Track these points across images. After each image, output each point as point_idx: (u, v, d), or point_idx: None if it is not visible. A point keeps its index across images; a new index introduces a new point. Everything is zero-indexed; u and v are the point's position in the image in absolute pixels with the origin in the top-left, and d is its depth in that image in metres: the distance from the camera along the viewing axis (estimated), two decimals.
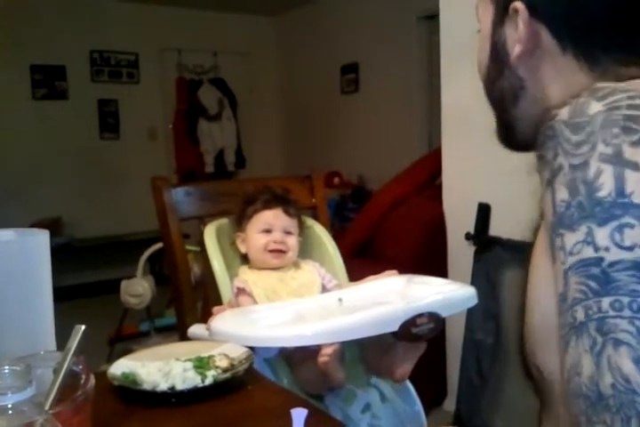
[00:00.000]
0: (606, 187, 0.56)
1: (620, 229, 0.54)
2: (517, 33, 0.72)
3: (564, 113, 0.61)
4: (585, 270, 0.56)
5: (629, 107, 0.58)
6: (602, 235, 0.55)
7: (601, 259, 0.55)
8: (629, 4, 0.69)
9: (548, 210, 0.61)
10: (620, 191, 0.55)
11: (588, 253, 0.56)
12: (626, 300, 0.53)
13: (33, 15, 5.05)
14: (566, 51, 0.70)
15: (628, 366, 0.51)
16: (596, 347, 0.53)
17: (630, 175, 0.55)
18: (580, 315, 0.55)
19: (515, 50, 0.73)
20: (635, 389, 0.50)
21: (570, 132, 0.60)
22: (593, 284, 0.55)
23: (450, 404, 2.56)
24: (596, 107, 0.59)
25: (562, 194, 0.59)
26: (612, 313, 0.53)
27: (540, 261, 0.67)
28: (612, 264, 0.54)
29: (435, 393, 2.61)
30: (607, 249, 0.54)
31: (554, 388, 0.68)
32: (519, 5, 0.71)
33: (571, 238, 0.57)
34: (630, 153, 0.55)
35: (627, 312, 0.52)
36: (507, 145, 0.85)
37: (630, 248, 0.54)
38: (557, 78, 0.72)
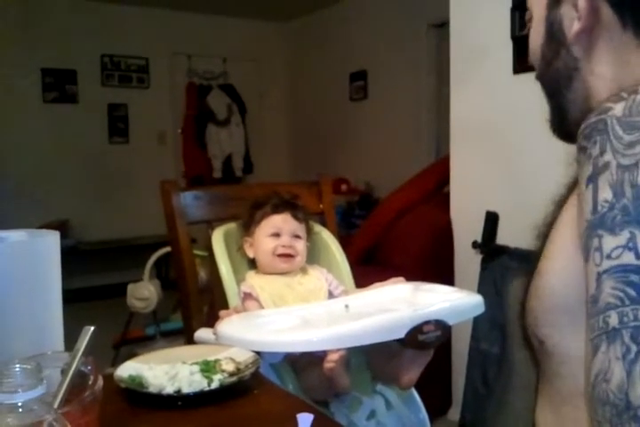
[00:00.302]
0: None
1: None
2: (577, 9, 0.69)
3: (618, 109, 0.59)
4: (623, 276, 0.54)
5: None
6: None
7: None
8: None
9: (587, 207, 0.59)
10: None
11: (629, 259, 0.54)
12: None
13: (45, 19, 5.09)
14: (626, 27, 0.68)
15: None
16: (629, 355, 0.52)
17: None
18: (614, 321, 0.54)
19: (573, 27, 0.71)
20: None
21: (622, 130, 0.57)
22: (631, 291, 0.53)
23: (455, 413, 2.54)
24: None
25: (605, 193, 0.57)
26: None
27: (560, 236, 0.66)
28: None
29: (440, 402, 2.60)
30: None
31: (553, 360, 0.68)
32: None
33: (610, 241, 0.55)
34: None
35: None
36: (560, 134, 0.81)
37: None
38: (612, 56, 0.70)
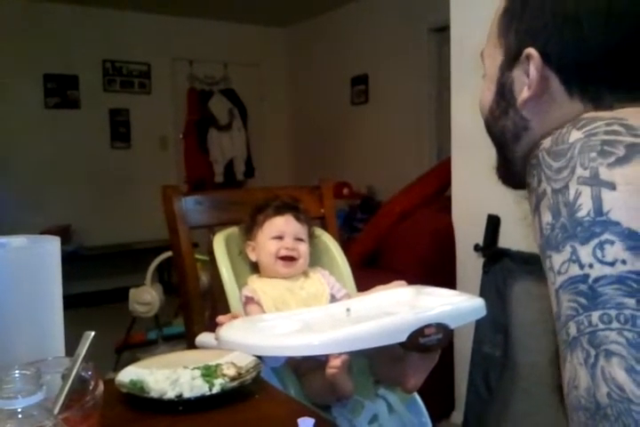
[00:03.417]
0: (585, 207, 0.59)
1: (601, 245, 0.57)
2: (529, 78, 0.74)
3: (547, 142, 0.66)
4: (574, 288, 0.58)
5: (607, 133, 0.61)
6: (585, 253, 0.58)
7: (587, 275, 0.57)
8: (631, 51, 0.71)
9: (537, 233, 0.64)
10: (599, 210, 0.58)
11: (575, 270, 0.58)
12: (613, 313, 0.55)
13: (47, 25, 5.11)
14: (573, 95, 0.73)
15: (621, 375, 0.53)
16: (589, 359, 0.56)
17: (607, 194, 0.58)
18: (573, 330, 0.58)
19: (523, 94, 0.75)
20: (630, 397, 0.52)
21: (552, 159, 0.63)
22: (582, 300, 0.57)
23: (457, 416, 2.54)
24: (575, 135, 0.63)
25: (547, 217, 0.62)
26: (601, 326, 0.55)
27: None
28: (597, 280, 0.57)
29: (442, 406, 2.59)
30: (591, 266, 0.57)
31: None
32: (533, 52, 0.72)
33: (558, 259, 0.60)
34: (606, 174, 0.59)
35: (615, 324, 0.55)
36: (506, 182, 0.88)
37: (612, 263, 0.56)
38: (562, 119, 0.73)
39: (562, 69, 0.72)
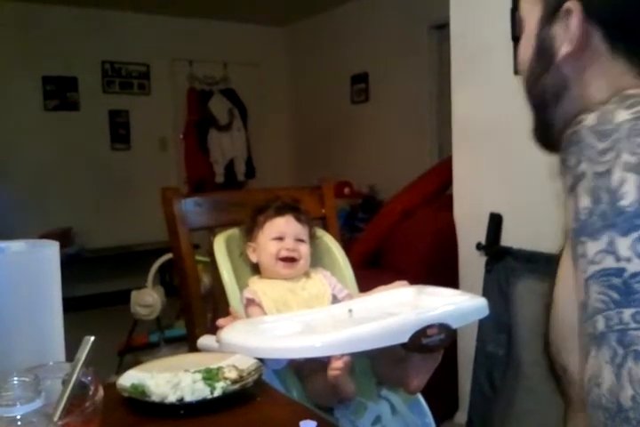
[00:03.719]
0: (629, 196, 0.55)
1: None
2: (568, 33, 0.70)
3: (590, 119, 0.61)
4: (606, 280, 0.55)
5: None
6: (624, 245, 0.54)
7: (622, 269, 0.54)
8: None
9: (571, 216, 0.60)
10: None
11: (610, 262, 0.55)
12: None
13: (45, 26, 5.11)
14: (616, 53, 0.69)
15: None
16: (616, 359, 0.53)
17: None
18: (601, 325, 0.55)
19: (563, 49, 0.72)
20: None
21: (595, 139, 0.59)
22: (614, 294, 0.54)
23: (461, 416, 2.53)
24: (622, 115, 0.59)
25: (584, 201, 0.59)
26: (633, 325, 0.53)
27: (568, 263, 0.67)
28: (634, 275, 0.53)
29: (446, 406, 2.59)
30: (629, 260, 0.54)
31: (577, 387, 0.68)
32: (574, 6, 0.69)
33: (592, 247, 0.57)
34: None
35: None
36: (543, 145, 0.82)
37: None
38: (602, 79, 0.71)
39: (605, 24, 0.68)
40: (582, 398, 0.68)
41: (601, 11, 0.68)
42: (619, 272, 0.54)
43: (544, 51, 0.74)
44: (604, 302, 0.55)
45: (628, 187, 0.55)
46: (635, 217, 0.54)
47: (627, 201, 0.55)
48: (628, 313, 0.53)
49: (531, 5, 0.77)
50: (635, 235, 0.54)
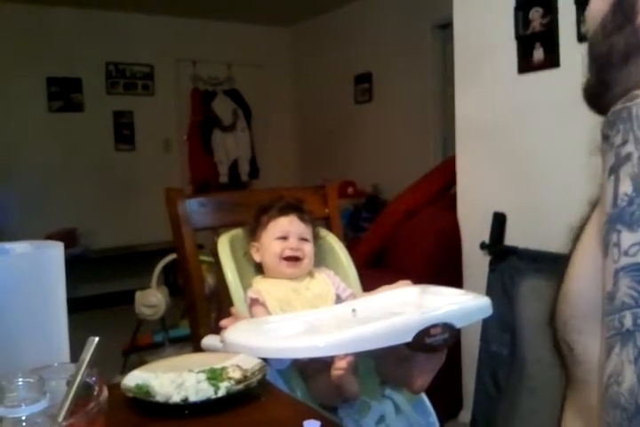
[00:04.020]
0: None
1: None
2: None
3: None
4: (638, 275, 0.52)
5: None
6: None
7: None
8: None
9: (608, 200, 0.57)
10: None
11: None
12: None
13: (49, 28, 5.12)
14: None
15: None
16: None
17: None
18: (628, 322, 0.52)
19: None
20: None
21: None
22: None
23: (465, 416, 2.53)
24: None
25: (625, 187, 0.55)
26: None
27: (589, 239, 0.64)
28: None
29: (450, 405, 2.59)
30: None
31: (582, 367, 0.66)
32: None
33: (628, 238, 0.54)
34: None
35: None
36: (594, 106, 0.75)
37: None
38: None
39: None
40: (585, 375, 0.67)
41: None
42: None
43: (623, 6, 0.68)
44: (634, 298, 0.52)
45: None
46: None
47: None
48: None
49: None
50: None
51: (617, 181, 0.56)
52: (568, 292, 0.68)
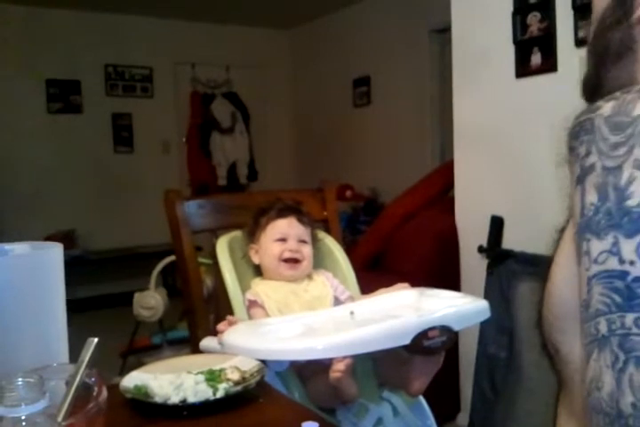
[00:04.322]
0: (637, 196, 0.52)
1: None
2: None
3: (607, 108, 0.57)
4: (609, 282, 0.53)
5: None
6: (628, 247, 0.52)
7: (626, 273, 0.52)
8: None
9: (577, 210, 0.58)
10: None
11: (613, 264, 0.53)
12: None
13: (49, 29, 5.12)
14: None
15: None
16: (617, 364, 0.52)
17: None
18: (603, 328, 0.54)
19: None
20: None
21: (609, 130, 0.56)
22: (617, 297, 0.53)
23: (463, 418, 2.53)
24: None
25: (591, 196, 0.56)
26: (635, 330, 0.52)
27: (567, 246, 0.65)
28: (636, 279, 0.52)
29: (448, 407, 2.59)
30: (632, 263, 0.52)
31: (570, 367, 0.67)
32: None
33: (597, 246, 0.55)
34: None
35: None
36: (589, 100, 0.74)
37: None
38: None
39: None
40: (572, 375, 0.67)
41: None
42: (622, 275, 0.53)
43: (624, 3, 0.67)
44: (607, 304, 0.53)
45: (637, 186, 0.53)
46: None
47: (634, 201, 0.53)
48: (630, 318, 0.52)
49: None
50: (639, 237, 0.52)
51: (583, 191, 0.57)
52: (551, 295, 0.69)
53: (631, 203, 0.53)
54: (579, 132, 0.59)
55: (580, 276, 0.57)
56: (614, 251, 0.53)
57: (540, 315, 0.71)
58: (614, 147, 0.55)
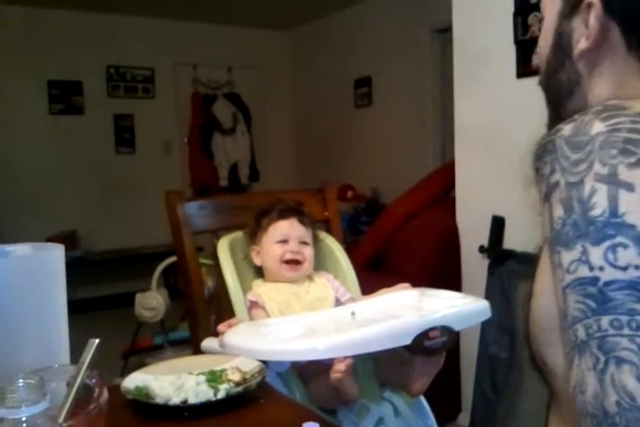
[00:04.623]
0: (600, 206, 0.56)
1: (614, 249, 0.55)
2: (588, 28, 0.69)
3: (566, 129, 0.62)
4: (582, 289, 0.56)
5: (631, 130, 0.58)
6: (596, 254, 0.56)
7: (596, 278, 0.56)
8: None
9: (546, 226, 0.62)
10: (614, 211, 0.56)
11: (584, 272, 0.56)
12: (624, 318, 0.54)
13: (50, 31, 5.13)
14: (631, 52, 0.69)
15: (631, 383, 0.52)
16: (598, 365, 0.54)
17: (624, 196, 0.56)
18: (581, 333, 0.56)
19: (580, 44, 0.71)
20: None
21: (569, 149, 0.60)
22: (591, 303, 0.56)
23: (464, 418, 2.53)
24: (598, 127, 0.60)
25: (558, 211, 0.60)
26: (612, 332, 0.54)
27: (546, 262, 0.68)
28: (607, 284, 0.55)
29: (449, 408, 2.59)
30: (602, 269, 0.55)
31: (558, 378, 0.69)
32: (595, 0, 0.68)
33: (567, 256, 0.58)
34: (626, 174, 0.56)
35: (626, 331, 0.53)
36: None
37: (624, 268, 0.54)
38: (612, 77, 0.71)
39: (624, 20, 0.68)
40: (560, 387, 0.69)
41: (619, 5, 0.68)
42: (593, 281, 0.56)
43: (562, 45, 0.74)
44: (582, 310, 0.56)
45: (599, 197, 0.57)
46: (605, 227, 0.56)
47: (597, 211, 0.56)
48: (605, 320, 0.54)
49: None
50: (606, 244, 0.55)
51: (550, 207, 0.61)
52: (534, 309, 0.72)
53: (595, 213, 0.57)
54: (542, 153, 0.64)
55: (556, 287, 0.61)
56: (583, 259, 0.57)
57: (528, 329, 0.74)
58: (575, 164, 0.59)
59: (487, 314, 1.05)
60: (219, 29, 5.88)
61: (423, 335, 0.95)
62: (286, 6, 5.38)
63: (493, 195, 2.46)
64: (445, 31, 4.13)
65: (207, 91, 6.02)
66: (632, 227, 0.55)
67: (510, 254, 2.31)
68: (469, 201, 2.57)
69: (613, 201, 0.56)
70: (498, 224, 2.39)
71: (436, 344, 0.96)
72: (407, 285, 1.24)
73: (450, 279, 2.53)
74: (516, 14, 2.27)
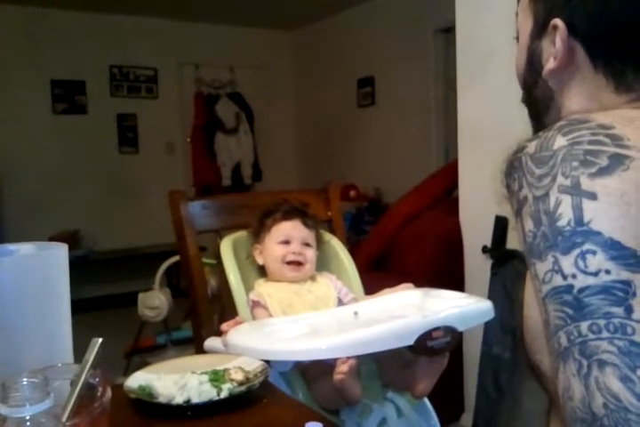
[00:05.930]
0: (565, 216, 0.58)
1: (583, 256, 0.57)
2: (554, 49, 0.73)
3: (531, 146, 0.65)
4: (559, 298, 0.58)
5: (591, 142, 0.60)
6: (567, 263, 0.58)
7: (571, 286, 0.57)
8: None
9: (520, 239, 0.64)
10: (579, 220, 0.58)
11: (558, 281, 0.58)
12: (602, 322, 0.55)
13: (54, 30, 5.14)
14: (597, 69, 0.72)
15: (615, 385, 0.53)
16: (582, 370, 0.55)
17: (588, 204, 0.58)
18: (564, 341, 0.57)
19: (549, 64, 0.75)
20: (626, 406, 0.52)
21: (534, 165, 0.63)
22: (568, 310, 0.57)
23: (467, 419, 2.53)
24: (560, 142, 0.62)
25: (528, 225, 0.62)
26: (591, 336, 0.55)
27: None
28: (581, 290, 0.56)
29: (452, 408, 2.58)
30: (574, 276, 0.57)
31: (554, 384, 0.69)
32: (559, 23, 0.72)
33: (541, 267, 0.60)
34: (588, 184, 0.58)
35: (605, 334, 0.54)
36: None
37: (595, 274, 0.56)
38: (583, 94, 0.74)
39: (587, 41, 0.71)
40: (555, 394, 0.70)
41: (583, 28, 0.71)
42: (568, 289, 0.57)
43: (533, 64, 0.78)
44: (562, 318, 0.58)
45: (564, 208, 0.59)
46: (572, 235, 0.58)
47: (563, 221, 0.59)
48: (584, 326, 0.56)
49: (524, 18, 0.80)
50: (575, 252, 0.57)
51: (522, 221, 0.64)
52: (526, 318, 0.74)
53: (561, 223, 0.59)
54: (510, 170, 0.67)
55: (537, 298, 0.62)
56: (556, 268, 0.59)
57: (521, 337, 0.75)
58: (540, 178, 0.62)
59: (490, 314, 1.04)
60: (222, 29, 5.88)
61: (426, 336, 0.94)
62: (289, 6, 5.38)
63: (496, 195, 2.46)
64: (449, 31, 4.13)
65: (210, 91, 6.03)
66: (598, 233, 0.57)
67: (513, 255, 2.31)
68: (473, 201, 2.57)
69: (578, 210, 0.58)
70: (501, 224, 2.38)
71: (440, 344, 0.96)
72: (410, 285, 1.23)
73: (453, 279, 2.53)
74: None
